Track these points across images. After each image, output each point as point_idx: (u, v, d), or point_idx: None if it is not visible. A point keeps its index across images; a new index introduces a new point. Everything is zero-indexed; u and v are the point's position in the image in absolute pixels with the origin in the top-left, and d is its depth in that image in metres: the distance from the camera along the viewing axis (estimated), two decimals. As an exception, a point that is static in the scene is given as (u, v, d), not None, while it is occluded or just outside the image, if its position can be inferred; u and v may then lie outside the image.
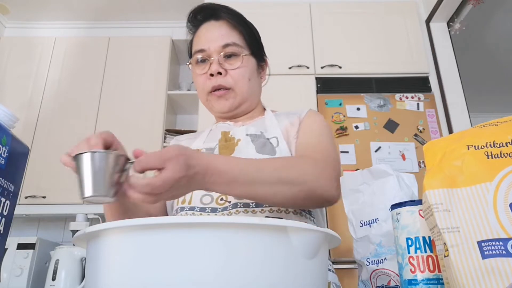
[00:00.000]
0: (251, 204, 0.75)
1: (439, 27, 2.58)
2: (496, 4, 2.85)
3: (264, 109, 0.98)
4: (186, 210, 0.78)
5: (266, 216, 0.74)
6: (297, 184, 0.64)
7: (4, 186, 0.43)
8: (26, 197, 2.50)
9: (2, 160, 0.43)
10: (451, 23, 2.54)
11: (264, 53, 0.96)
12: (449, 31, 2.56)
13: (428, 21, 2.59)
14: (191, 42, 0.95)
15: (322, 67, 2.44)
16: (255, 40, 0.93)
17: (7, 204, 0.44)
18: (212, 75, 0.85)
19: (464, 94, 2.41)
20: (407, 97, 2.37)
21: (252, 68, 0.91)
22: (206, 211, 0.77)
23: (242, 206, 0.75)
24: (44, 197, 2.53)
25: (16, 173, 0.45)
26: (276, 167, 0.65)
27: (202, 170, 0.57)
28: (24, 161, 0.48)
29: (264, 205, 0.75)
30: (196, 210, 0.77)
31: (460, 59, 2.55)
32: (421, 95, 2.37)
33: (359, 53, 2.49)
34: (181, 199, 0.80)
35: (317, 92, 2.39)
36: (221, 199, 0.77)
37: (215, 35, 0.87)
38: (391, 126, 2.29)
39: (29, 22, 3.18)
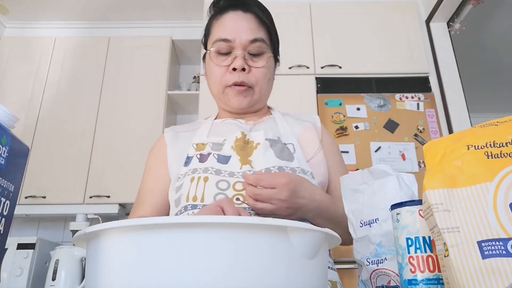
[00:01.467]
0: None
1: (439, 27, 2.58)
2: (496, 4, 2.85)
3: (268, 107, 0.97)
4: (199, 208, 0.75)
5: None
6: (341, 226, 0.71)
7: (4, 186, 0.43)
8: (26, 197, 2.51)
9: (2, 160, 0.43)
10: (451, 23, 2.54)
11: (279, 53, 0.94)
12: (449, 31, 2.56)
13: (428, 21, 2.59)
14: (209, 27, 0.91)
15: (322, 67, 2.44)
16: (277, 39, 0.91)
17: (7, 204, 0.44)
18: (235, 69, 0.83)
19: (464, 94, 2.41)
20: (407, 97, 2.37)
21: (272, 68, 0.90)
22: None
23: None
24: (44, 197, 2.53)
25: (16, 173, 0.45)
26: (334, 207, 0.73)
27: (311, 204, 0.68)
28: (24, 161, 0.48)
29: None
30: None
31: (460, 59, 2.55)
32: (421, 95, 2.37)
33: (359, 53, 2.49)
34: (191, 195, 0.77)
35: (317, 92, 2.39)
36: (237, 199, 0.75)
37: (244, 27, 0.84)
38: (391, 126, 2.29)
39: (29, 22, 3.18)
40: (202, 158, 0.82)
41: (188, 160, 0.84)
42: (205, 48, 0.92)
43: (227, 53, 0.85)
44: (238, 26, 0.84)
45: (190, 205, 0.76)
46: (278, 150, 0.81)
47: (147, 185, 0.88)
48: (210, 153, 0.82)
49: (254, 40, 0.84)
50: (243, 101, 0.86)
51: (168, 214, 0.86)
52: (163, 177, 0.86)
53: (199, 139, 0.86)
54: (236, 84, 0.84)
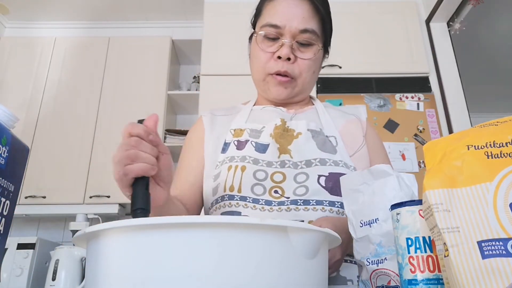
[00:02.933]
0: (311, 201, 0.73)
1: (439, 27, 2.58)
2: (496, 4, 2.85)
3: (310, 97, 0.95)
4: (237, 200, 0.74)
5: (326, 216, 0.72)
6: None
7: (4, 186, 0.43)
8: (26, 197, 2.51)
9: (2, 160, 0.43)
10: (451, 23, 2.54)
11: (330, 44, 0.90)
12: (449, 31, 2.56)
13: (428, 21, 2.59)
14: (260, 8, 0.87)
15: (322, 67, 2.44)
16: (330, 30, 0.87)
17: (7, 204, 0.44)
18: (280, 57, 0.80)
19: (464, 94, 2.41)
20: (407, 97, 2.37)
21: (319, 61, 0.87)
22: (260, 203, 0.73)
23: (302, 203, 0.72)
24: (44, 197, 2.53)
25: (16, 173, 0.45)
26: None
27: (345, 238, 0.62)
28: (24, 161, 0.48)
29: (324, 204, 0.73)
30: (249, 201, 0.73)
31: (460, 59, 2.55)
32: (421, 95, 2.37)
33: (359, 53, 2.49)
34: (228, 185, 0.75)
35: (317, 92, 2.39)
36: (275, 191, 0.73)
37: (296, 15, 0.79)
38: (391, 126, 2.29)
39: (29, 22, 3.18)
40: (240, 146, 0.80)
41: (225, 147, 0.82)
42: (253, 28, 0.88)
43: (275, 39, 0.81)
44: (290, 13, 0.80)
45: (227, 195, 0.75)
46: (320, 142, 0.79)
47: (184, 163, 0.86)
48: (248, 141, 0.79)
49: (305, 31, 0.80)
50: (283, 92, 0.83)
51: (201, 192, 0.84)
52: (199, 157, 0.84)
53: (237, 125, 0.84)
54: (279, 73, 0.81)
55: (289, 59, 0.80)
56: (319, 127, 0.82)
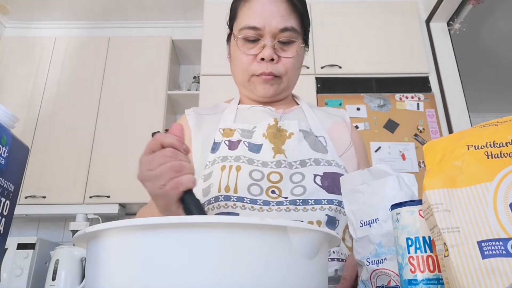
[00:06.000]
0: (309, 201, 0.72)
1: (439, 27, 2.58)
2: (496, 4, 2.85)
3: (294, 96, 0.95)
4: (234, 201, 0.72)
5: (326, 214, 0.72)
6: None
7: (4, 186, 0.43)
8: (26, 197, 2.51)
9: (2, 160, 0.43)
10: (451, 23, 2.54)
11: (309, 37, 0.89)
12: (449, 31, 2.56)
13: (428, 21, 2.59)
14: (235, 9, 0.85)
15: (322, 67, 2.44)
16: (308, 24, 0.86)
17: (7, 204, 0.44)
18: (263, 59, 0.79)
19: (464, 94, 2.41)
20: (407, 97, 2.37)
21: (302, 56, 0.87)
22: (258, 203, 0.71)
23: (301, 203, 0.71)
24: (44, 197, 2.53)
25: (16, 173, 0.45)
26: None
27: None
28: (24, 161, 0.48)
29: (322, 202, 0.72)
30: (246, 202, 0.71)
31: (460, 59, 2.55)
32: (421, 95, 2.37)
33: (359, 53, 2.49)
34: (223, 185, 0.73)
35: (317, 92, 2.39)
36: (272, 192, 0.72)
37: (274, 14, 0.78)
38: (391, 126, 2.29)
39: (29, 22, 3.18)
40: (232, 146, 0.78)
41: (215, 146, 0.80)
42: (230, 29, 0.87)
43: (255, 40, 0.80)
44: (268, 12, 0.79)
45: (223, 196, 0.72)
46: (311, 142, 0.78)
47: None
48: (240, 141, 0.78)
49: (285, 29, 0.79)
50: (269, 89, 0.82)
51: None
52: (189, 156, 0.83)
53: (225, 124, 0.82)
54: (264, 74, 0.81)
55: (272, 59, 0.80)
56: (309, 127, 0.82)
